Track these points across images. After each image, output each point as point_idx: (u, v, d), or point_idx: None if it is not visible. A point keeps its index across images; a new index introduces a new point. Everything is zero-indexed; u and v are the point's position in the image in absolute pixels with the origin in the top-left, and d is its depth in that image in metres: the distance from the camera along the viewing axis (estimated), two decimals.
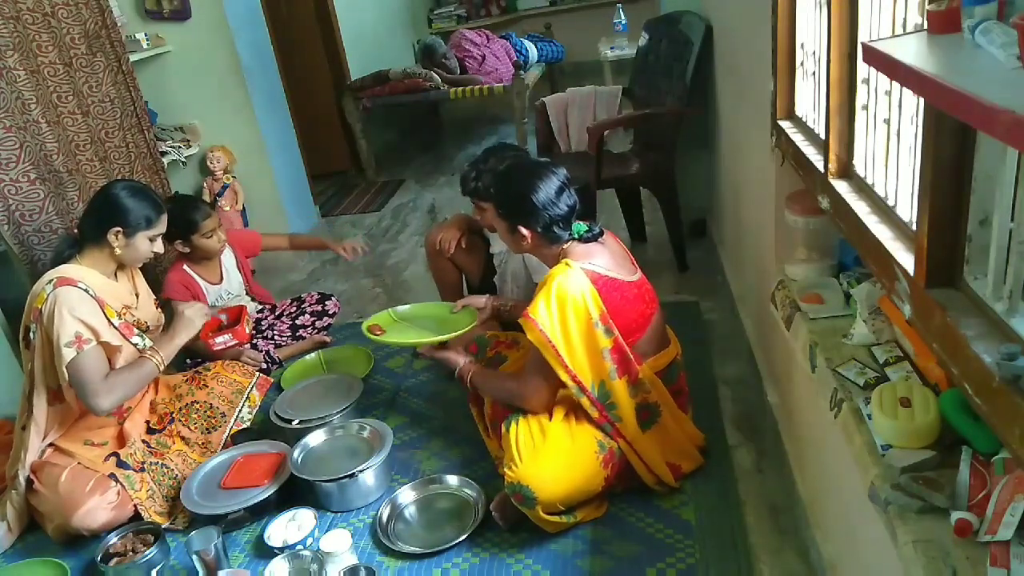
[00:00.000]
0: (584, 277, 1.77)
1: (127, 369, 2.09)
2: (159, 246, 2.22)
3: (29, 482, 2.07)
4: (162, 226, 2.21)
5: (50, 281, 2.03)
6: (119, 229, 2.11)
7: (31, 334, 2.04)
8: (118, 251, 2.14)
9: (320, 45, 5.20)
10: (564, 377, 1.76)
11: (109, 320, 2.08)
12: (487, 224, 2.37)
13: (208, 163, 3.79)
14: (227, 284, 2.89)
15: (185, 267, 2.79)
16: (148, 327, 2.26)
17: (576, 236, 1.87)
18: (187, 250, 2.74)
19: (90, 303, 2.03)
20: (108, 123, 2.87)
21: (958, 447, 1.10)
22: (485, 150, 2.40)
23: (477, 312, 2.28)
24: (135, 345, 2.16)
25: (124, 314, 2.17)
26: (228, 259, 2.92)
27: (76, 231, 2.24)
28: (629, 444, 1.84)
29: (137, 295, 2.29)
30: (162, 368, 2.16)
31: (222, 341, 2.38)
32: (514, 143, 2.54)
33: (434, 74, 5.01)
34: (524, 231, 1.86)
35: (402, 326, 2.35)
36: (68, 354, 1.96)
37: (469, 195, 2.34)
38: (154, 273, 2.99)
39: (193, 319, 2.25)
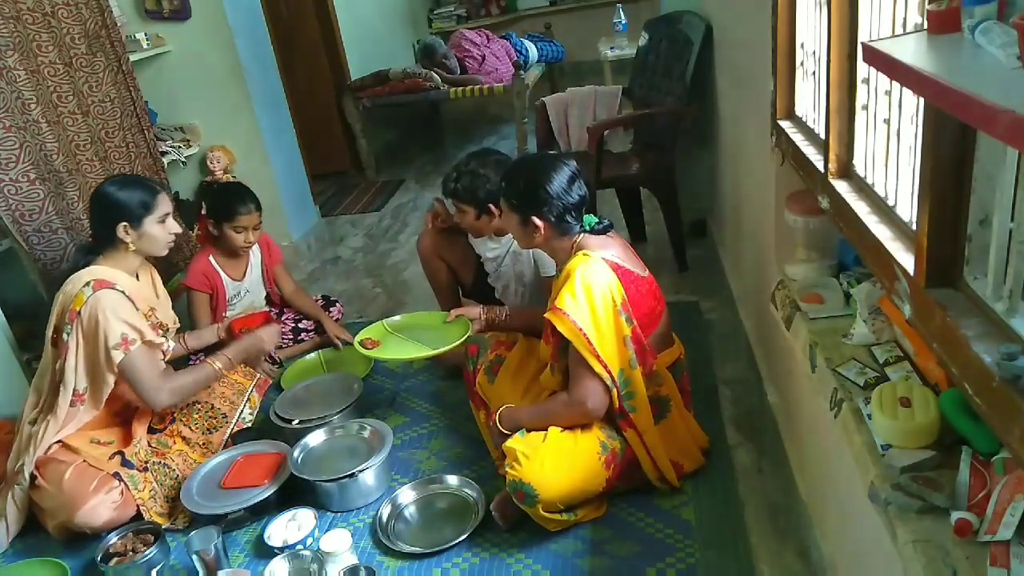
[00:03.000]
0: (605, 265, 1.78)
1: (190, 372, 2.21)
2: (173, 226, 2.21)
3: (32, 477, 2.06)
4: (165, 205, 2.19)
5: (87, 283, 2.03)
6: (125, 224, 2.11)
7: (65, 335, 2.04)
8: (132, 246, 2.14)
9: (320, 45, 5.19)
10: (596, 367, 1.74)
11: None
12: (464, 225, 2.40)
13: (208, 163, 3.79)
14: (248, 281, 2.91)
15: (211, 258, 2.80)
16: (168, 328, 2.28)
17: (588, 228, 1.87)
18: (216, 232, 2.77)
19: (128, 304, 2.07)
20: (108, 123, 2.87)
21: (958, 447, 1.10)
22: (469, 154, 2.40)
23: (469, 324, 2.29)
24: (159, 346, 2.17)
25: (150, 316, 2.18)
26: (255, 257, 2.94)
27: (92, 238, 2.25)
28: (639, 436, 1.83)
29: (158, 296, 2.31)
30: (221, 374, 2.26)
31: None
32: (498, 149, 2.54)
33: (434, 74, 5.01)
34: (538, 222, 1.84)
35: (395, 338, 2.39)
36: (117, 356, 2.01)
37: (449, 196, 2.36)
38: (178, 258, 3.04)
39: (264, 340, 2.39)
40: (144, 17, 3.62)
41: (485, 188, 2.27)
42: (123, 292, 2.07)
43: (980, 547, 0.96)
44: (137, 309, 2.10)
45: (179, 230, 2.24)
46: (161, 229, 2.18)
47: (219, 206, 2.75)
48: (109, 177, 2.34)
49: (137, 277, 2.23)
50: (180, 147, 3.67)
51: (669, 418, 1.91)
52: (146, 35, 3.49)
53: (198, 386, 2.22)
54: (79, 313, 2.01)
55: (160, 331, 2.20)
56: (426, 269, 2.71)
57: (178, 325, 2.38)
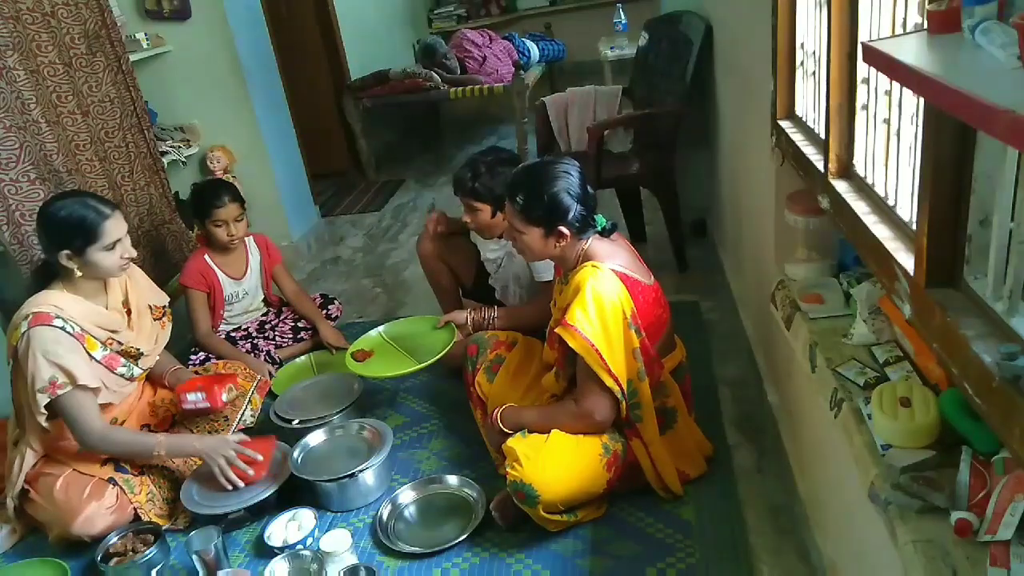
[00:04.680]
0: (615, 277, 1.77)
1: (130, 437, 2.04)
2: (126, 250, 2.04)
3: (25, 492, 2.05)
4: (114, 232, 2.00)
5: (26, 317, 1.93)
6: (67, 252, 1.97)
7: (12, 360, 1.98)
8: (79, 273, 2.00)
9: (320, 45, 5.19)
10: (608, 381, 1.73)
11: (91, 355, 2.00)
12: (478, 225, 2.38)
13: (208, 163, 3.79)
14: (247, 282, 2.90)
15: (206, 256, 2.80)
16: (140, 353, 2.15)
17: (600, 229, 1.86)
18: (204, 232, 2.80)
19: (68, 343, 1.93)
20: (108, 123, 2.86)
21: (958, 447, 1.10)
22: (480, 152, 2.39)
23: (456, 331, 2.35)
24: (121, 375, 2.09)
25: (110, 344, 2.07)
26: (254, 257, 2.94)
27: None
28: (645, 446, 1.83)
29: (129, 312, 2.18)
30: (157, 457, 2.04)
31: (193, 400, 2.19)
32: (503, 146, 2.53)
33: (434, 74, 5.01)
34: (565, 230, 1.82)
35: (387, 347, 2.46)
36: (42, 400, 1.90)
37: (466, 195, 2.33)
38: (178, 258, 3.03)
39: (206, 452, 2.02)
40: (144, 17, 3.62)
41: (503, 185, 2.24)
42: (63, 328, 1.93)
43: (980, 547, 0.96)
44: (84, 343, 1.97)
45: (133, 253, 2.06)
46: (109, 256, 2.00)
47: (196, 205, 2.79)
48: (59, 194, 2.17)
49: (107, 293, 2.12)
50: (180, 147, 3.67)
51: (675, 429, 1.91)
52: (146, 35, 3.49)
53: (127, 452, 2.05)
54: (16, 348, 1.93)
55: (124, 359, 2.09)
56: (426, 270, 2.71)
57: (161, 339, 2.26)
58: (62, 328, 1.94)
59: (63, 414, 1.95)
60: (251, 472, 2.03)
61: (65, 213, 1.98)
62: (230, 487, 2.01)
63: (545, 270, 2.34)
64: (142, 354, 2.16)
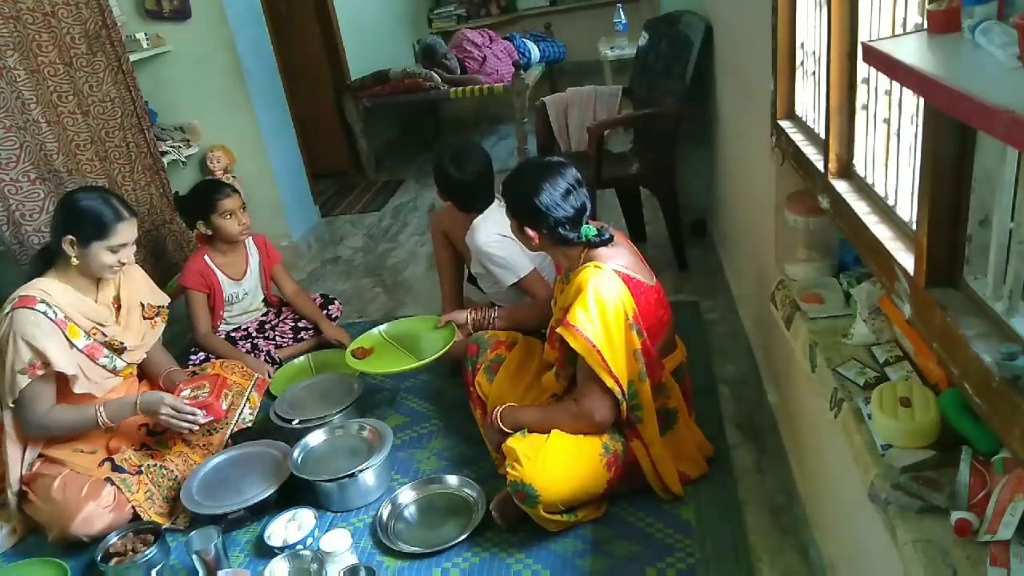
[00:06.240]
0: (617, 278, 1.76)
1: (71, 411, 2.06)
2: (125, 256, 2.09)
3: (23, 494, 2.05)
4: (123, 235, 2.06)
5: (12, 300, 1.98)
6: (71, 238, 2.02)
7: None
8: (74, 261, 2.04)
9: (320, 45, 5.19)
10: (609, 382, 1.73)
11: (72, 342, 2.02)
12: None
13: (208, 163, 3.79)
14: (247, 282, 2.90)
15: (206, 257, 2.80)
16: (124, 347, 2.17)
17: (585, 239, 1.83)
18: (209, 232, 2.77)
19: (47, 327, 1.97)
20: (108, 123, 2.87)
21: (958, 447, 1.10)
22: (455, 146, 2.54)
23: (456, 330, 2.37)
24: (103, 366, 2.11)
25: (94, 334, 2.10)
26: (253, 258, 2.93)
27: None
28: (645, 446, 1.83)
29: (119, 308, 2.21)
30: (102, 424, 2.05)
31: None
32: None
33: (434, 74, 5.01)
34: (531, 232, 1.85)
35: (388, 346, 2.48)
36: (22, 380, 1.93)
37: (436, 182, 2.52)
38: (178, 258, 3.04)
39: (165, 400, 2.08)
40: (144, 17, 3.62)
41: (444, 179, 2.45)
42: (45, 313, 1.97)
43: (980, 547, 0.96)
44: (66, 330, 2.00)
45: (130, 262, 2.12)
46: (107, 257, 2.05)
47: (198, 205, 2.77)
48: (90, 187, 2.21)
49: (99, 287, 2.14)
50: (180, 147, 3.67)
51: (676, 429, 1.91)
52: (146, 35, 3.49)
53: (73, 429, 2.07)
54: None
55: (107, 350, 2.11)
56: (436, 242, 2.75)
57: (148, 340, 2.27)
58: (44, 313, 1.98)
59: (23, 400, 1.97)
60: (200, 415, 2.11)
61: (87, 203, 2.04)
62: (187, 429, 2.12)
63: (504, 275, 2.37)
64: (126, 349, 2.18)
